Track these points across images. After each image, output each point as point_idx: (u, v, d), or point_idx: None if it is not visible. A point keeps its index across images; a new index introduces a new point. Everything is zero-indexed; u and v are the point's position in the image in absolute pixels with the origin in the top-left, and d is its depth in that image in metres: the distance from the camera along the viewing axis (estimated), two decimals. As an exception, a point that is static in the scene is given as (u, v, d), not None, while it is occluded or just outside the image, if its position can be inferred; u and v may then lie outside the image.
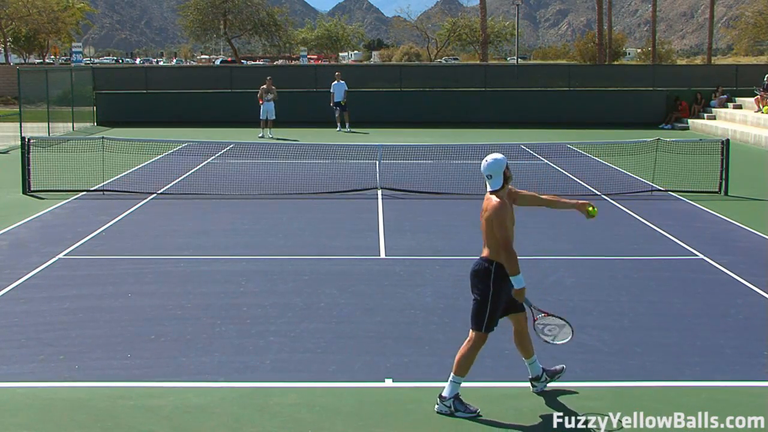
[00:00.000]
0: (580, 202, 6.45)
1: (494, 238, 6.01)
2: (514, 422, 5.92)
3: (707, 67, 44.93)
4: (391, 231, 12.25)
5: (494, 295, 5.99)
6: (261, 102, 26.48)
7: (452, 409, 6.02)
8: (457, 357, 6.11)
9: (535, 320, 6.26)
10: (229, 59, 76.80)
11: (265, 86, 26.57)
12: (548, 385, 6.39)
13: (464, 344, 6.11)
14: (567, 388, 6.48)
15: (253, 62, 77.92)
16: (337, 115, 28.43)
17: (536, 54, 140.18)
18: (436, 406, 6.08)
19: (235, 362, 7.06)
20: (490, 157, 6.17)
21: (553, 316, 6.29)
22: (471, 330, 6.10)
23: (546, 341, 6.31)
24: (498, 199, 6.04)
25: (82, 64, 48.24)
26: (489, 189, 6.14)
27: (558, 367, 6.46)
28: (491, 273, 6.00)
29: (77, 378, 6.72)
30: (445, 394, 6.07)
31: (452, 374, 6.09)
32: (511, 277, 5.89)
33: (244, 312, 8.40)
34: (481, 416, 5.98)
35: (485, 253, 6.11)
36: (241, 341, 7.56)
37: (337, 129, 28.21)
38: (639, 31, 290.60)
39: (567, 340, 6.30)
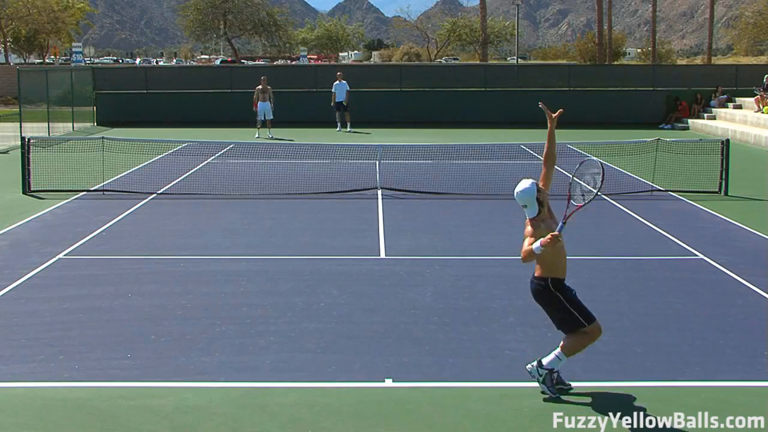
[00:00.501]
0: (552, 119, 6.55)
1: (538, 257, 5.96)
2: (514, 422, 5.93)
3: (707, 67, 44.90)
4: (391, 231, 12.25)
5: (568, 299, 6.08)
6: (255, 106, 26.29)
7: (541, 378, 6.24)
8: (569, 338, 6.19)
9: (568, 216, 6.00)
10: (229, 59, 76.73)
11: (260, 86, 26.46)
12: (541, 389, 6.32)
13: (579, 333, 6.17)
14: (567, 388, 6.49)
15: (253, 62, 77.83)
16: (337, 116, 28.42)
17: (536, 54, 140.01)
18: (529, 366, 6.32)
19: (235, 362, 7.07)
20: (519, 187, 6.11)
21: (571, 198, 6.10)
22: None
23: (594, 190, 6.02)
24: (531, 228, 6.02)
25: (82, 64, 48.23)
26: (527, 217, 6.11)
27: (568, 383, 6.43)
28: (550, 288, 6.10)
29: (77, 378, 6.72)
30: (544, 362, 6.25)
31: (559, 350, 6.21)
32: (534, 251, 5.79)
33: (244, 312, 8.40)
34: (557, 397, 6.16)
35: (537, 272, 6.16)
36: (241, 341, 7.56)
37: (337, 129, 28.19)
38: (639, 31, 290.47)
39: (597, 169, 6.07)
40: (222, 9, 71.76)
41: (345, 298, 8.90)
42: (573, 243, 11.53)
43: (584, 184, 6.16)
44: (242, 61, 77.08)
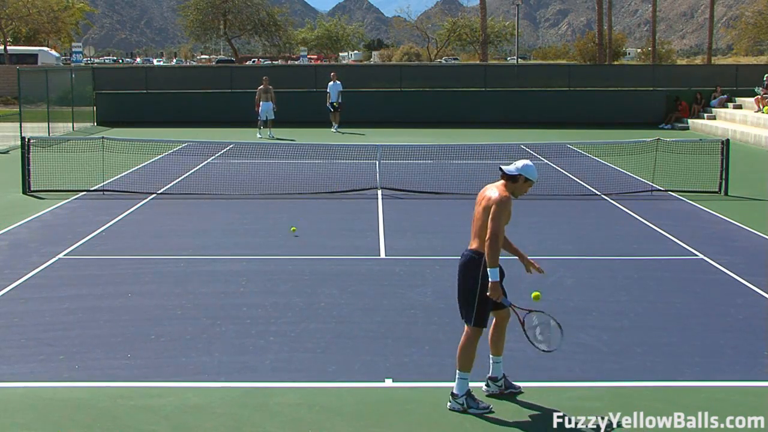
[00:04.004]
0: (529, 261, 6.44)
1: (485, 229, 5.85)
2: (514, 422, 5.93)
3: (707, 67, 44.93)
4: (391, 231, 12.25)
5: (482, 288, 5.91)
6: (257, 106, 26.29)
7: (465, 406, 6.02)
8: (457, 352, 6.11)
9: (522, 323, 6.08)
10: (249, 62, 76.46)
11: (262, 86, 26.47)
12: (520, 391, 6.34)
13: (461, 339, 6.10)
14: (567, 388, 6.49)
15: (255, 63, 77.76)
16: (331, 115, 28.48)
17: (536, 54, 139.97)
18: (449, 404, 6.07)
19: (235, 362, 7.06)
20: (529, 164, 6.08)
21: (533, 311, 6.12)
22: (465, 325, 6.09)
23: (543, 350, 6.09)
24: (507, 192, 5.94)
25: (82, 64, 48.21)
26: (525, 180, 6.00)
27: (518, 385, 6.38)
28: (480, 265, 5.92)
29: (77, 378, 6.72)
30: (456, 391, 6.06)
31: (457, 370, 6.09)
32: (488, 269, 5.80)
33: (244, 312, 8.40)
34: (493, 412, 5.99)
35: (475, 245, 6.01)
36: (241, 341, 7.56)
37: (333, 129, 28.19)
38: (639, 31, 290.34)
39: (560, 337, 6.05)
40: (222, 9, 71.77)
41: (345, 298, 8.90)
42: (573, 243, 11.61)
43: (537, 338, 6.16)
44: (252, 60, 76.94)
